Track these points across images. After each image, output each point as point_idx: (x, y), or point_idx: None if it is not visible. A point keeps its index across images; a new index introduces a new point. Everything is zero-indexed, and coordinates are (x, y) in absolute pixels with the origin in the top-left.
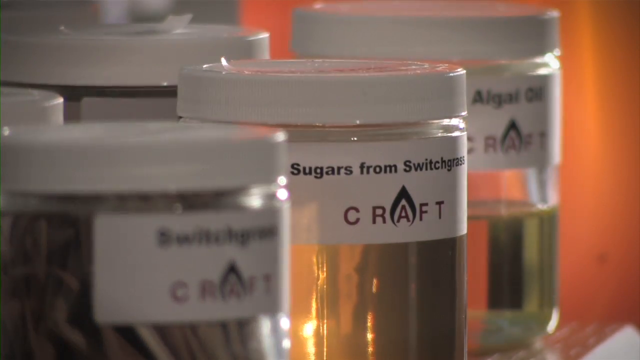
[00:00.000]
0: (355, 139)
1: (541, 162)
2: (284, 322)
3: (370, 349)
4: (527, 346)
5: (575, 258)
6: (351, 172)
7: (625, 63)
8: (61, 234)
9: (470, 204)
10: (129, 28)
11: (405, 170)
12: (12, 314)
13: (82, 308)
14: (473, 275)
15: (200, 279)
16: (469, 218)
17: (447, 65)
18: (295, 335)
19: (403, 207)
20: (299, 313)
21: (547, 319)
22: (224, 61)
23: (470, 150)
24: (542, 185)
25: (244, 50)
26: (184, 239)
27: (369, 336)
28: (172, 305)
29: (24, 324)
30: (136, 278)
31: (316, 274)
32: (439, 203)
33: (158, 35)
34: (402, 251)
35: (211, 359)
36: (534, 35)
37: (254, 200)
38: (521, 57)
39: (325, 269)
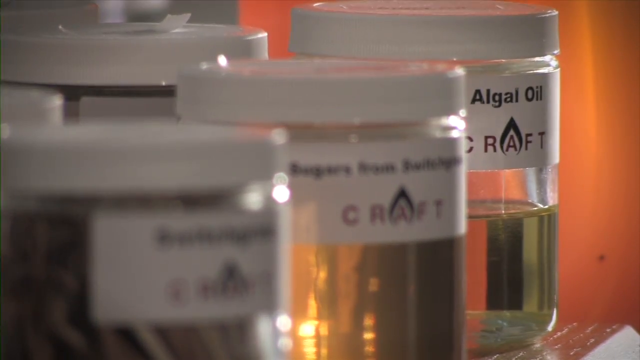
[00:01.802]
0: (354, 138)
1: (541, 162)
2: (284, 322)
3: (369, 349)
4: (526, 346)
5: (575, 258)
6: (350, 171)
7: (625, 63)
8: (61, 234)
9: (469, 203)
10: (128, 27)
11: (403, 169)
12: (11, 314)
13: (81, 308)
14: (472, 275)
15: (200, 278)
16: (468, 218)
17: (446, 65)
18: (294, 335)
19: (402, 206)
20: (298, 313)
21: (547, 319)
22: (222, 60)
23: (469, 150)
24: (541, 185)
25: (243, 50)
26: (183, 239)
27: (368, 336)
28: (171, 304)
29: (23, 324)
30: (136, 278)
31: (315, 274)
32: (438, 202)
33: (156, 35)
34: (400, 251)
35: (211, 358)
36: (533, 35)
37: (254, 200)
38: (521, 57)
39: (324, 269)
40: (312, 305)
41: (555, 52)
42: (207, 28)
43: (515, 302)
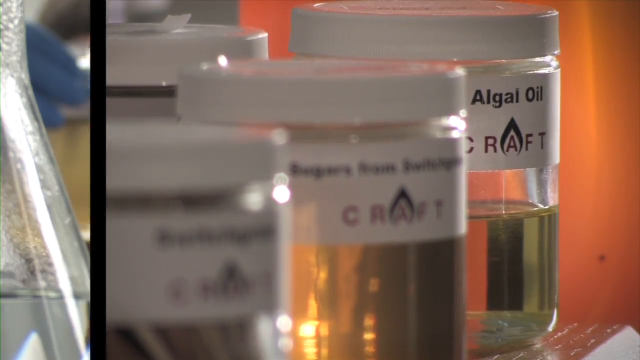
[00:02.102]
0: (354, 138)
1: (541, 162)
2: (284, 322)
3: (369, 349)
4: (527, 347)
5: (575, 258)
6: (350, 172)
7: (625, 63)
8: None
9: (469, 204)
10: (128, 27)
11: (404, 170)
12: None
13: None
14: (472, 276)
15: (200, 278)
16: (469, 218)
17: (446, 65)
18: (294, 335)
19: (402, 207)
20: (298, 313)
21: (547, 320)
22: (223, 60)
23: (470, 150)
24: (542, 185)
25: (243, 50)
26: (183, 239)
27: (368, 336)
28: (172, 305)
29: None
30: (136, 278)
31: (315, 274)
32: (438, 203)
33: (157, 35)
34: (401, 251)
35: (211, 358)
36: (533, 35)
37: (254, 200)
38: (521, 57)
39: (324, 269)
40: (313, 305)
41: (556, 52)
42: (208, 28)
43: (516, 303)
